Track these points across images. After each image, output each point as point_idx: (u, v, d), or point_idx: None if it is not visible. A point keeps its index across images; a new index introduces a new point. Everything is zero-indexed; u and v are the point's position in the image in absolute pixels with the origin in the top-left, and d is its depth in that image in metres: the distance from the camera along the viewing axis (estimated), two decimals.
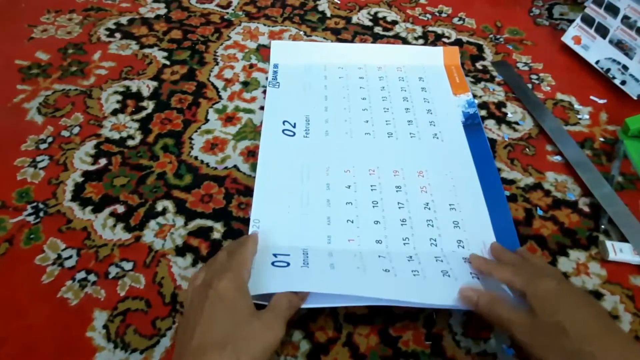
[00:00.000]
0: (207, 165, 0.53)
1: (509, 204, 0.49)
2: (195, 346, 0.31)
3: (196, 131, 0.56)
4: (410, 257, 0.43)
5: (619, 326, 0.33)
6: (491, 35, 0.69)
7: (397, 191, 0.49)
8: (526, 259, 0.40)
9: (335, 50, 0.65)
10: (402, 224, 0.46)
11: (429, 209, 0.48)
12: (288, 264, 0.40)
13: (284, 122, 0.55)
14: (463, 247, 0.45)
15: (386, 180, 0.50)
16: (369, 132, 0.55)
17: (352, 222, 0.46)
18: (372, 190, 0.49)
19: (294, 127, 0.55)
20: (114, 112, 0.58)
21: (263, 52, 0.66)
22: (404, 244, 0.45)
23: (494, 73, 0.64)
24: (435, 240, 0.45)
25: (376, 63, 0.64)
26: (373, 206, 0.48)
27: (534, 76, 0.63)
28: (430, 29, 0.71)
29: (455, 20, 0.72)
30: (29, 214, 0.48)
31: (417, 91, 0.61)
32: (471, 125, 0.56)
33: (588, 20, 0.64)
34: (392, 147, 0.54)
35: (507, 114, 0.58)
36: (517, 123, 0.57)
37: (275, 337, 0.33)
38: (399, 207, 0.48)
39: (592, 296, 0.35)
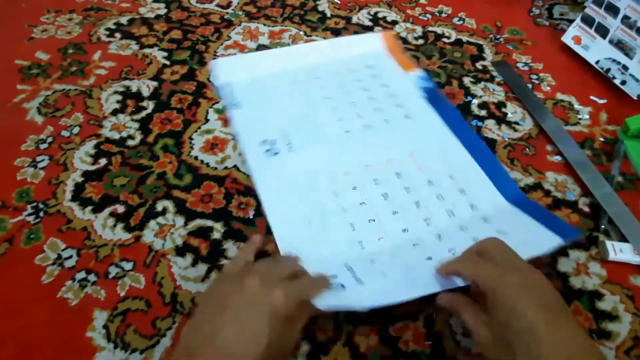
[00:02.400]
0: (207, 165, 0.53)
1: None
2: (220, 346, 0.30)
3: (196, 131, 0.56)
4: (439, 235, 0.45)
5: (577, 334, 0.30)
6: (491, 35, 0.69)
7: (398, 178, 0.50)
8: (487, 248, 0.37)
9: (280, 55, 0.64)
10: (417, 207, 0.47)
11: (433, 184, 0.49)
12: (343, 286, 0.39)
13: (263, 142, 0.53)
14: (477, 210, 0.47)
15: (384, 171, 0.50)
16: (348, 130, 0.55)
17: (374, 220, 0.46)
18: (376, 184, 0.49)
19: (275, 144, 0.53)
20: (114, 112, 0.58)
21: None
22: (427, 224, 0.46)
23: (494, 73, 0.64)
24: (452, 212, 0.47)
25: (324, 60, 0.63)
26: (385, 199, 0.48)
27: (534, 76, 0.63)
28: (430, 29, 0.71)
29: (455, 20, 0.72)
30: (29, 214, 0.48)
31: (372, 79, 0.61)
32: (433, 97, 0.58)
33: (588, 20, 0.64)
34: (374, 138, 0.54)
35: (507, 114, 0.58)
36: (517, 123, 0.57)
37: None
38: (407, 192, 0.49)
39: (552, 290, 0.32)
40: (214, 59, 0.65)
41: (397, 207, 0.47)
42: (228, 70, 0.61)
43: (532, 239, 0.43)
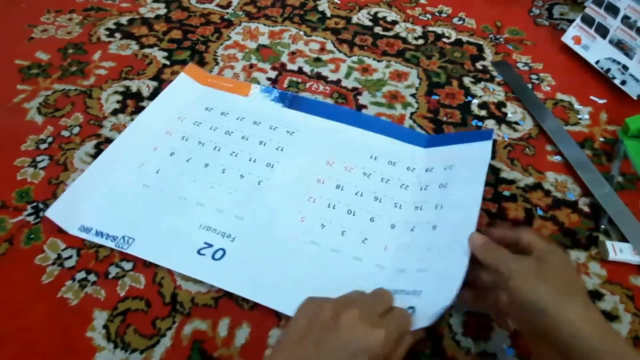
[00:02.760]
0: None
1: (506, 203, 0.49)
2: None
3: None
4: (416, 207, 0.46)
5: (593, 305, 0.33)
6: (491, 35, 0.69)
7: (342, 190, 0.49)
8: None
9: (121, 152, 0.52)
10: (380, 202, 0.48)
11: (370, 174, 0.50)
12: (412, 308, 0.37)
13: (198, 253, 0.44)
14: (416, 169, 0.50)
15: (326, 191, 0.48)
16: (260, 180, 0.49)
17: (367, 239, 0.45)
18: (334, 209, 0.47)
19: (212, 246, 0.45)
20: (114, 112, 0.58)
21: (263, 52, 0.66)
22: (400, 208, 0.47)
23: (494, 73, 0.64)
24: (404, 185, 0.49)
25: (160, 131, 0.54)
26: (353, 215, 0.47)
27: (534, 76, 0.63)
28: (430, 29, 0.71)
29: (455, 20, 0.72)
30: (29, 214, 0.48)
31: (223, 122, 0.55)
32: (292, 101, 0.57)
33: (588, 20, 0.64)
34: (286, 170, 0.50)
35: (507, 114, 0.58)
36: (517, 123, 0.57)
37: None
38: (361, 196, 0.48)
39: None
40: (215, 58, 0.65)
41: (368, 213, 0.47)
42: (78, 212, 0.47)
43: (472, 158, 0.48)
